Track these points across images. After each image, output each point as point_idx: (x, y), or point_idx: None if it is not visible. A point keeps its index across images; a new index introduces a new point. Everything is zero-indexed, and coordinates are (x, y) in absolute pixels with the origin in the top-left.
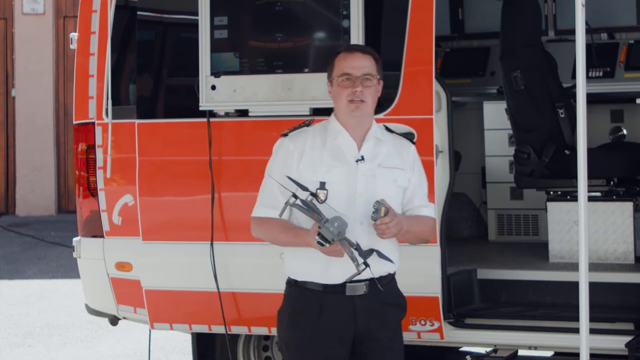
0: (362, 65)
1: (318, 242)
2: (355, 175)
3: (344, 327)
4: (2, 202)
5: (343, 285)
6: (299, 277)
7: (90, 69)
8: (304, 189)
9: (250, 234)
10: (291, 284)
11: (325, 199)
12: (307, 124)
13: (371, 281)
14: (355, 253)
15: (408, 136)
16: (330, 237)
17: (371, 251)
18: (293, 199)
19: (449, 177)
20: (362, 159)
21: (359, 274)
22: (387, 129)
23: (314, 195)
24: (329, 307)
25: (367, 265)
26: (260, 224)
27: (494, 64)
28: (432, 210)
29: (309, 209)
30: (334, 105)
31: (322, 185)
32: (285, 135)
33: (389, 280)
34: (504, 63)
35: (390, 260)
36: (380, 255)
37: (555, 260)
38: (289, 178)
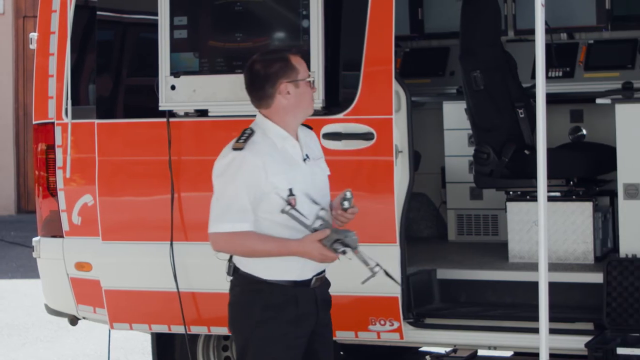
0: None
1: (341, 251)
2: (308, 174)
3: (312, 317)
4: None
5: (310, 280)
6: (271, 277)
7: (50, 69)
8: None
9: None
10: (257, 280)
11: (295, 204)
12: (251, 133)
13: (321, 273)
14: (366, 256)
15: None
16: (354, 245)
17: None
18: (288, 207)
19: (409, 177)
20: (308, 157)
21: (374, 276)
22: None
23: (291, 204)
24: (302, 299)
25: (380, 267)
26: (231, 238)
27: (453, 64)
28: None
29: (301, 217)
30: (291, 108)
31: (290, 192)
32: (240, 149)
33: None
34: (463, 63)
35: (396, 281)
36: (386, 274)
37: (514, 260)
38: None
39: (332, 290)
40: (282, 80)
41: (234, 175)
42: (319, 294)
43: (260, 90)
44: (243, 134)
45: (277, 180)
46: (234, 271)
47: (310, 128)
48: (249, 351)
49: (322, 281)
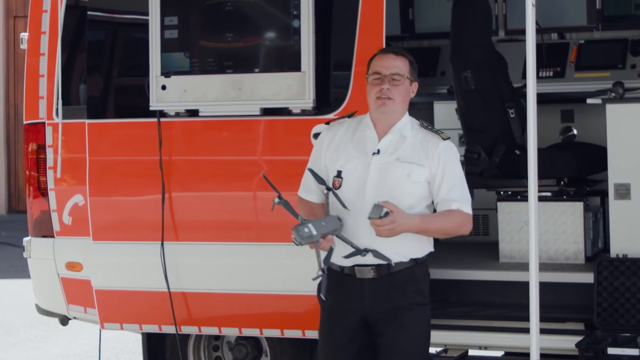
0: (392, 65)
1: (294, 241)
2: (368, 167)
3: (355, 306)
4: None
5: (352, 268)
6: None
7: (41, 69)
8: (321, 182)
9: (201, 233)
10: None
11: (340, 186)
12: (350, 116)
13: (378, 266)
14: (319, 260)
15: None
16: (299, 239)
17: (366, 251)
18: (278, 199)
19: None
20: (378, 152)
21: (318, 278)
22: (423, 125)
23: (330, 189)
24: (344, 286)
25: (324, 271)
26: (298, 202)
27: (444, 63)
28: (464, 204)
29: (290, 210)
30: (368, 102)
31: (339, 174)
32: (328, 124)
33: (404, 267)
34: (454, 63)
35: (388, 260)
36: (377, 254)
37: (505, 260)
38: (310, 170)
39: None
40: (366, 75)
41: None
42: (368, 285)
43: None
44: (344, 115)
45: (329, 158)
46: None
47: (446, 138)
48: None
49: (379, 275)
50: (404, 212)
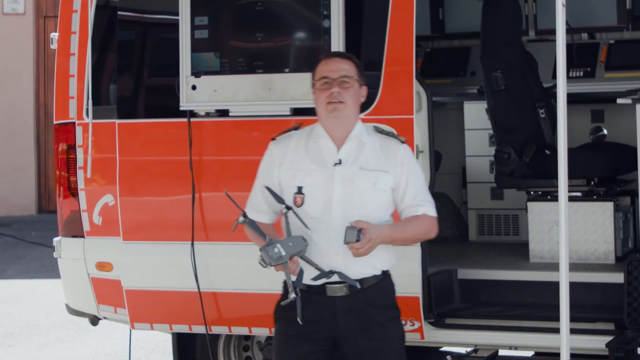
0: (340, 68)
1: (260, 263)
2: (331, 179)
3: (324, 325)
4: None
5: (322, 286)
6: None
7: (71, 69)
8: (280, 201)
9: (231, 233)
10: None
11: (302, 204)
12: (296, 128)
13: (352, 284)
14: (290, 280)
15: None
16: (267, 261)
17: (332, 273)
18: (242, 218)
19: (430, 177)
20: (340, 162)
21: (291, 300)
22: (378, 129)
23: (289, 208)
24: (311, 305)
25: (297, 293)
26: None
27: (474, 64)
28: (430, 208)
29: (255, 229)
30: (317, 112)
31: (299, 190)
32: (274, 139)
33: (376, 281)
34: (484, 63)
35: (354, 283)
36: (342, 276)
37: (535, 260)
38: (267, 188)
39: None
40: (312, 86)
41: (260, 164)
42: (340, 303)
43: None
44: (290, 128)
45: (285, 175)
46: None
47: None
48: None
49: (353, 290)
50: (375, 225)
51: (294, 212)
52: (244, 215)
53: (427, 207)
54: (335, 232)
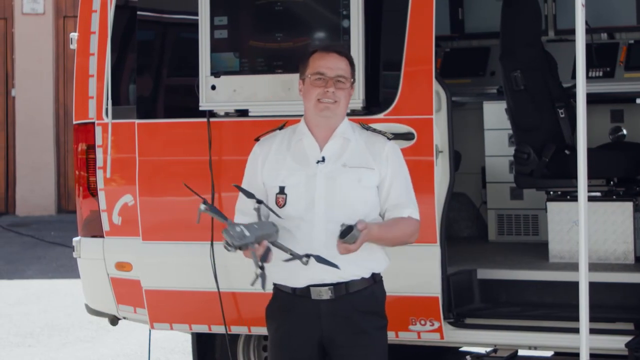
0: (337, 66)
1: (224, 246)
2: (314, 178)
3: (309, 330)
4: (2, 202)
5: (306, 289)
6: (274, 280)
7: (90, 69)
8: (249, 196)
9: None
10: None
11: (285, 204)
12: (280, 128)
13: (336, 286)
14: (255, 259)
15: (386, 134)
16: (230, 241)
17: (307, 256)
18: (204, 206)
19: (449, 177)
20: (323, 160)
21: (257, 278)
22: (364, 126)
23: (260, 202)
24: (296, 309)
25: (262, 270)
26: None
27: (493, 63)
28: (414, 211)
29: (217, 215)
30: (304, 105)
31: (282, 190)
32: (257, 140)
33: (365, 286)
34: (503, 63)
35: (335, 266)
36: (320, 260)
37: (555, 260)
38: (236, 186)
39: None
40: (301, 75)
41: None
42: (325, 306)
43: None
44: (274, 128)
45: (268, 175)
46: None
47: (389, 137)
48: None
49: (339, 294)
50: (368, 223)
51: (265, 205)
52: (204, 203)
53: (413, 210)
54: (318, 231)
